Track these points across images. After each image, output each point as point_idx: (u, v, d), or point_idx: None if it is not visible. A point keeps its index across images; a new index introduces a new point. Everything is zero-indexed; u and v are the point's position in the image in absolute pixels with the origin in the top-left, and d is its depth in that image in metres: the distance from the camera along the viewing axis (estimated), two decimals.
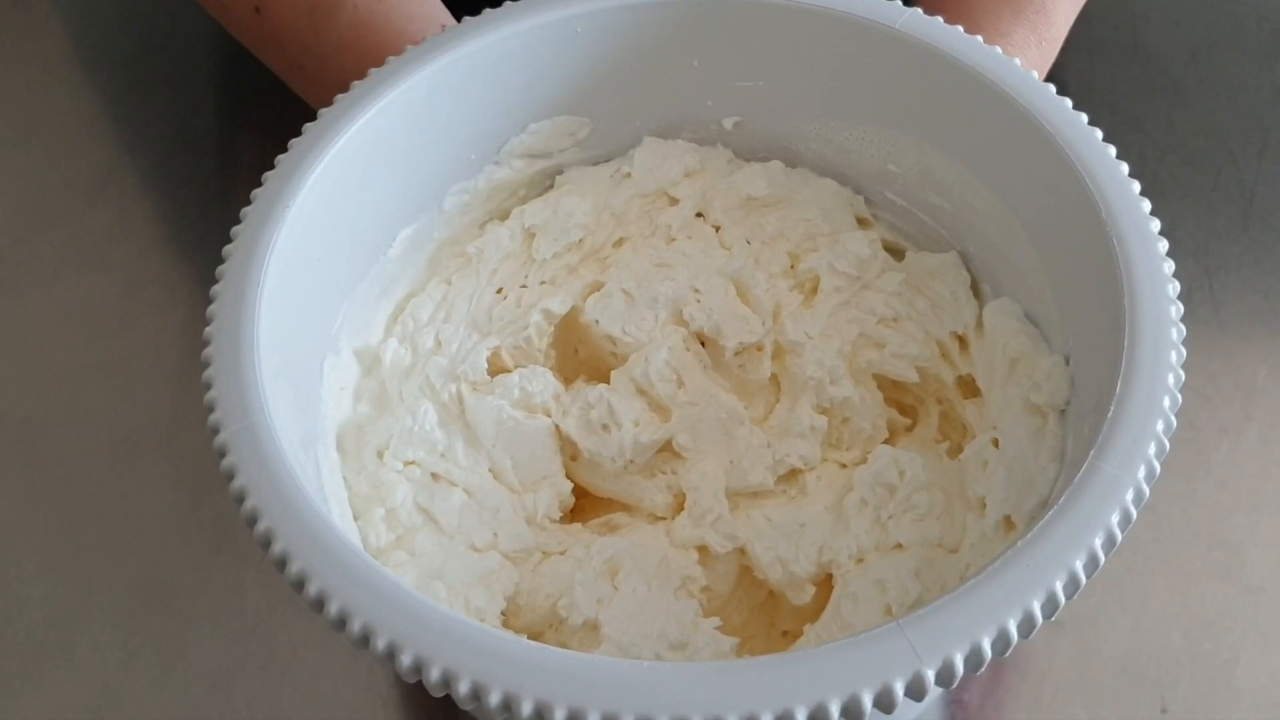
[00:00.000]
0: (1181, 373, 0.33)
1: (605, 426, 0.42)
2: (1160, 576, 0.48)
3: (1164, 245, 0.35)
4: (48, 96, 0.68)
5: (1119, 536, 0.30)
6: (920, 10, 0.41)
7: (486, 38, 0.42)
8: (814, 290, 0.44)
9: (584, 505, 0.43)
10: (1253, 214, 0.60)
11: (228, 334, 0.34)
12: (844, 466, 0.42)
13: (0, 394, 0.55)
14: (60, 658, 0.47)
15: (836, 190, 0.45)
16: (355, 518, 0.39)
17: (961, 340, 0.43)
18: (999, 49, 0.40)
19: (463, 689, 0.28)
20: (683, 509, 0.41)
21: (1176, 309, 0.34)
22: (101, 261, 0.60)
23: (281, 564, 0.31)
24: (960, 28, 0.41)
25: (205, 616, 0.48)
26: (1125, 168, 0.37)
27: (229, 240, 0.37)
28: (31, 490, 0.52)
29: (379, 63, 0.41)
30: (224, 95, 0.68)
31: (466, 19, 0.42)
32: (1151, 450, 0.31)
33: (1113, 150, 0.37)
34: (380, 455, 0.40)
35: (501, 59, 0.42)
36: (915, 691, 0.28)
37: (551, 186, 0.47)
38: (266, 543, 0.31)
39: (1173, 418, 0.32)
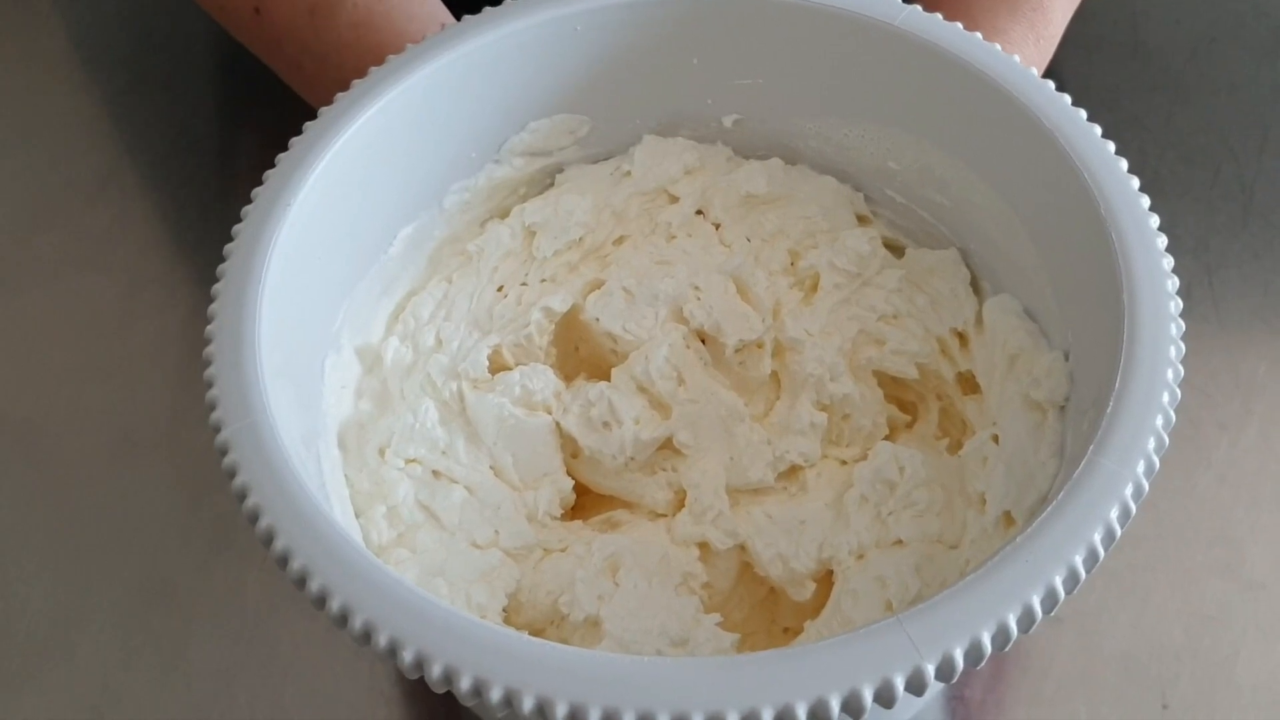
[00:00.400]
0: (1181, 368, 0.33)
1: (606, 424, 0.42)
2: (1161, 572, 0.48)
3: (1163, 241, 0.35)
4: (48, 96, 0.68)
5: (1118, 531, 0.30)
6: (919, 7, 0.42)
7: (486, 36, 0.42)
8: (814, 287, 0.44)
9: (585, 502, 0.43)
10: (1253, 210, 0.60)
11: (229, 332, 0.34)
12: (844, 463, 0.42)
13: (0, 394, 0.55)
14: (61, 657, 0.47)
15: (836, 187, 0.46)
16: (357, 515, 0.39)
17: (961, 337, 0.43)
18: (998, 46, 0.40)
19: (464, 685, 0.28)
20: (683, 506, 0.41)
21: (1176, 305, 0.34)
22: (101, 261, 0.60)
23: (283, 561, 0.31)
24: (959, 25, 0.41)
25: (206, 616, 0.48)
26: (1124, 164, 0.37)
27: (230, 239, 0.37)
28: (31, 490, 0.52)
29: (379, 62, 0.41)
30: (224, 95, 0.68)
31: (467, 17, 0.42)
32: (1150, 445, 0.31)
33: (1112, 147, 0.37)
34: (382, 453, 0.40)
35: (501, 57, 0.42)
36: (915, 686, 0.28)
37: (552, 184, 0.47)
38: (268, 540, 0.31)
39: (1172, 413, 0.32)
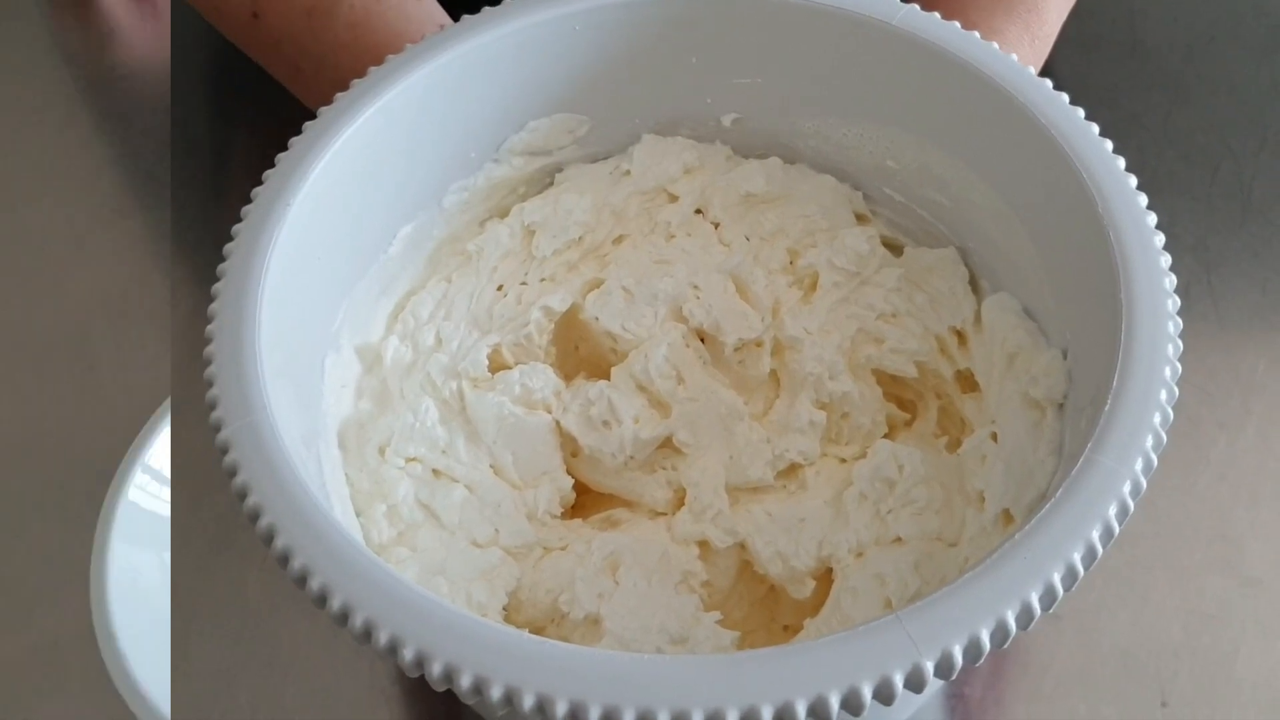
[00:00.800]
0: (1178, 366, 0.33)
1: (605, 423, 0.42)
2: (1160, 570, 0.48)
3: (1161, 239, 0.35)
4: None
5: (1116, 529, 0.30)
6: (917, 6, 0.42)
7: (485, 36, 0.42)
8: (813, 286, 0.44)
9: (585, 501, 0.43)
10: (1251, 209, 0.60)
11: (229, 332, 0.34)
12: (843, 461, 0.42)
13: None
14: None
15: (835, 186, 0.46)
16: (357, 514, 0.39)
17: (960, 335, 0.43)
18: (995, 45, 0.40)
19: (465, 683, 0.28)
20: (683, 504, 0.41)
21: (1173, 302, 0.34)
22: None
23: (284, 560, 0.31)
24: (957, 24, 0.41)
25: (207, 615, 0.48)
26: (1122, 162, 0.37)
27: (229, 239, 0.37)
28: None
29: (377, 63, 0.41)
30: (224, 95, 0.68)
31: (465, 17, 0.42)
32: (1148, 443, 0.31)
33: (1110, 145, 0.37)
34: (382, 452, 0.40)
35: (500, 57, 0.42)
36: (914, 683, 0.28)
37: (551, 184, 0.47)
38: (269, 539, 0.31)
39: (1169, 411, 0.32)
